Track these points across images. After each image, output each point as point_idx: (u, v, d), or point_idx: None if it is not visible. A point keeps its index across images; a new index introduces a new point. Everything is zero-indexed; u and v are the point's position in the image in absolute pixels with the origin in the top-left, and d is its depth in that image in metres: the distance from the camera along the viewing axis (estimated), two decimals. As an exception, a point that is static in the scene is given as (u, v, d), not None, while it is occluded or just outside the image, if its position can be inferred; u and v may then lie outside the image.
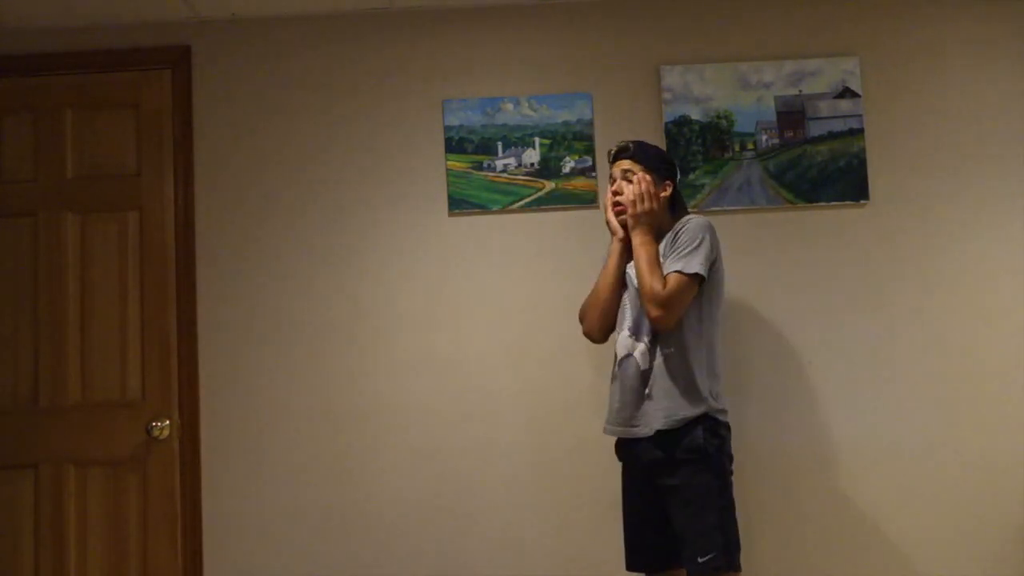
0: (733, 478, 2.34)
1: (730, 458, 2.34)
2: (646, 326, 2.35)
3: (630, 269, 2.43)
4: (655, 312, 2.27)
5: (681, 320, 2.31)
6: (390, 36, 3.00)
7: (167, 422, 2.87)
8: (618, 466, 2.47)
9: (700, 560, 2.20)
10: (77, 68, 2.99)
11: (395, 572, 2.84)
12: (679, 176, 2.55)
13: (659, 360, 2.32)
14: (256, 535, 2.85)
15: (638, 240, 2.36)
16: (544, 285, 2.92)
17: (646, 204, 2.38)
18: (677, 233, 2.36)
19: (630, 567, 2.42)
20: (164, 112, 2.99)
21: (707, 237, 2.32)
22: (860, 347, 2.88)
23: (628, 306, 2.42)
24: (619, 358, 2.41)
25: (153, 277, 2.93)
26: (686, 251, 2.30)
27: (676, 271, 2.28)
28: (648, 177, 2.41)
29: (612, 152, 2.49)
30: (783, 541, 2.83)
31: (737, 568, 2.25)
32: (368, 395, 2.89)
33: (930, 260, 2.92)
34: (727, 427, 2.34)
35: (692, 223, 2.35)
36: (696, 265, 2.28)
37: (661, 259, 2.35)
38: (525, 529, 2.85)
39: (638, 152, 2.45)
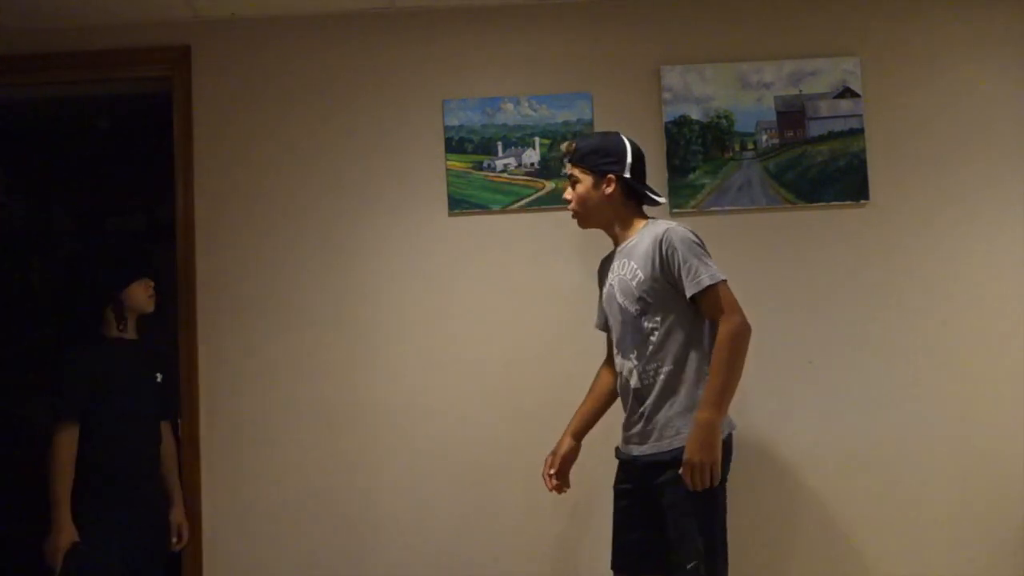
0: (728, 485, 2.29)
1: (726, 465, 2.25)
2: (629, 344, 2.31)
3: (613, 283, 2.37)
4: (740, 330, 2.20)
5: (670, 336, 2.25)
6: (390, 36, 3.00)
7: None
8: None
9: (688, 567, 2.17)
10: (77, 68, 2.98)
11: (395, 572, 2.84)
12: (629, 160, 2.34)
13: (650, 380, 2.28)
14: (256, 534, 2.86)
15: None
16: (544, 285, 2.92)
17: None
18: (661, 249, 2.25)
19: (613, 566, 2.40)
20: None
21: (697, 243, 2.26)
22: (860, 347, 2.88)
23: (613, 327, 2.39)
24: (618, 376, 2.40)
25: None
26: (696, 265, 2.22)
27: (707, 287, 2.20)
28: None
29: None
30: (782, 541, 2.83)
31: None
32: (368, 394, 2.89)
33: (930, 260, 2.91)
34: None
35: (674, 237, 2.24)
36: (715, 272, 2.21)
37: (653, 271, 2.25)
38: (526, 528, 2.85)
39: (576, 153, 2.37)
